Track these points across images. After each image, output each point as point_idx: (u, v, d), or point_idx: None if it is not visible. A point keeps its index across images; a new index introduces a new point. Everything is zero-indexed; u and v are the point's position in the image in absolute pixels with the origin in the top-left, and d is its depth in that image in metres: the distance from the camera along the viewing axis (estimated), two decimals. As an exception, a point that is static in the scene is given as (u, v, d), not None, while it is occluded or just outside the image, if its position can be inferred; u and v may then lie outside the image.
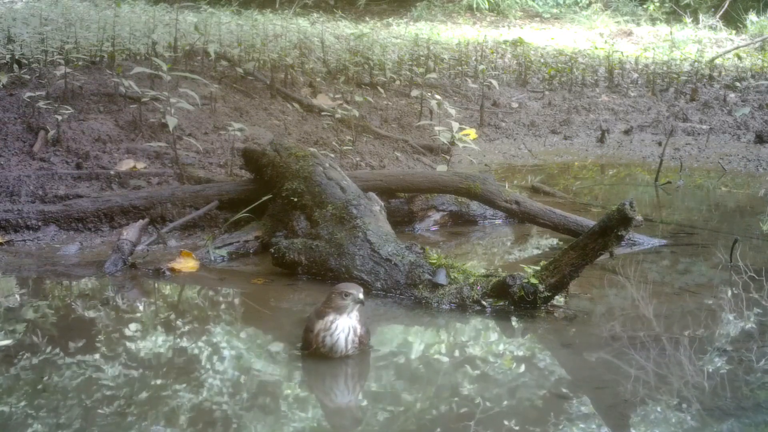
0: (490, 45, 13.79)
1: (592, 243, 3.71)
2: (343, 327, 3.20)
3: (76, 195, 5.36)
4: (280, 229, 4.80)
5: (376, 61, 10.13)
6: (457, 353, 3.45)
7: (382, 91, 9.17)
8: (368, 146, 7.54)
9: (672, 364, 3.32)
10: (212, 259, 4.67)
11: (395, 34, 13.73)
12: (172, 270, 4.40)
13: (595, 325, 3.76)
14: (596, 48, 14.06)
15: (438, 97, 8.30)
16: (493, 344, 3.59)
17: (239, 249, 4.83)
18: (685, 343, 3.56)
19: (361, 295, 3.20)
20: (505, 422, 2.82)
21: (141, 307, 3.97)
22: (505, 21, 18.96)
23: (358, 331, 3.24)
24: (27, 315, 3.76)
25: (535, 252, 5.20)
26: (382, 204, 4.80)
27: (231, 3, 15.97)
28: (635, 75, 12.08)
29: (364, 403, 3.00)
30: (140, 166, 6.02)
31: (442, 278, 3.96)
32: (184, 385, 3.05)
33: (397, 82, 10.02)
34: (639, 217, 3.74)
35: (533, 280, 3.79)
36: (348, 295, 3.19)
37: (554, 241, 5.33)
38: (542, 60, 12.76)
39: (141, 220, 5.00)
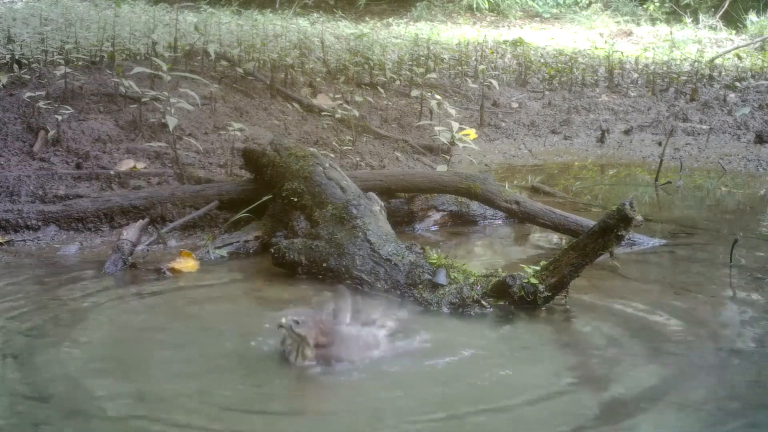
0: (490, 45, 13.79)
1: (592, 243, 3.72)
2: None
3: (76, 195, 5.36)
4: (280, 229, 4.80)
5: (376, 61, 10.13)
6: (456, 353, 3.44)
7: (382, 91, 9.16)
8: (368, 146, 7.54)
9: (673, 364, 3.32)
10: (212, 259, 4.67)
11: (395, 34, 13.74)
12: (172, 270, 4.40)
13: (594, 324, 3.76)
14: (596, 48, 14.06)
15: (438, 97, 8.30)
16: (493, 344, 3.58)
17: (239, 249, 4.83)
18: (685, 343, 3.56)
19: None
20: (505, 422, 2.82)
21: (141, 308, 3.97)
22: (505, 21, 18.96)
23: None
24: (26, 315, 3.75)
25: (535, 252, 5.19)
26: (382, 204, 4.80)
27: (231, 3, 15.96)
28: (635, 75, 12.07)
29: (361, 403, 3.00)
30: (140, 166, 6.02)
31: (442, 278, 3.96)
32: (184, 384, 3.05)
33: (397, 82, 10.01)
34: (639, 217, 3.74)
35: (533, 280, 3.79)
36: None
37: (554, 241, 5.33)
38: (542, 60, 12.75)
39: (141, 220, 5.00)
